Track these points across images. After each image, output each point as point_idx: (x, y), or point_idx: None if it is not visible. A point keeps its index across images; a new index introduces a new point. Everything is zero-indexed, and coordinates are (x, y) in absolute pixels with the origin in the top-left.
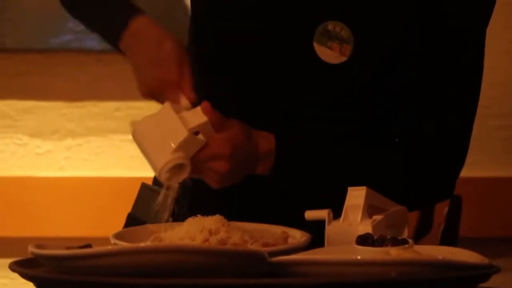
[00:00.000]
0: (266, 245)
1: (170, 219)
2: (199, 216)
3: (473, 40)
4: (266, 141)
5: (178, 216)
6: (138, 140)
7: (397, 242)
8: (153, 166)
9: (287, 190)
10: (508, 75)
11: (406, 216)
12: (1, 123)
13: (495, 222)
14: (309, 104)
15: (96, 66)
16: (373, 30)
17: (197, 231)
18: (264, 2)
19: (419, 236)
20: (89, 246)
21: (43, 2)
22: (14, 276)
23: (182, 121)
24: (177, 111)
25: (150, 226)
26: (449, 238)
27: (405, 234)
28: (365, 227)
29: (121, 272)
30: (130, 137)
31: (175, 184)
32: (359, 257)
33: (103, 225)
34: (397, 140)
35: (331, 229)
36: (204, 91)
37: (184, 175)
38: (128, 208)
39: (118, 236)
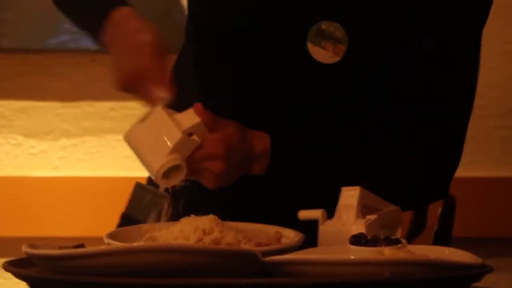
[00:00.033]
0: (259, 245)
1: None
2: (193, 216)
3: (469, 41)
4: (261, 141)
5: (173, 216)
6: (132, 145)
7: (390, 242)
8: (149, 170)
9: (282, 190)
10: (505, 75)
11: (400, 216)
12: None
13: (491, 222)
14: (303, 104)
15: (92, 66)
16: (367, 31)
17: (191, 231)
18: (258, 2)
19: (413, 236)
20: (82, 246)
21: (39, 2)
22: (8, 276)
23: (175, 123)
24: (170, 114)
25: (144, 226)
26: (442, 239)
27: (399, 234)
28: (359, 227)
29: (115, 272)
30: None
31: (172, 185)
32: (352, 257)
33: (97, 225)
34: (392, 140)
35: (324, 229)
36: (201, 91)
37: (181, 176)
38: (122, 208)
39: (111, 236)
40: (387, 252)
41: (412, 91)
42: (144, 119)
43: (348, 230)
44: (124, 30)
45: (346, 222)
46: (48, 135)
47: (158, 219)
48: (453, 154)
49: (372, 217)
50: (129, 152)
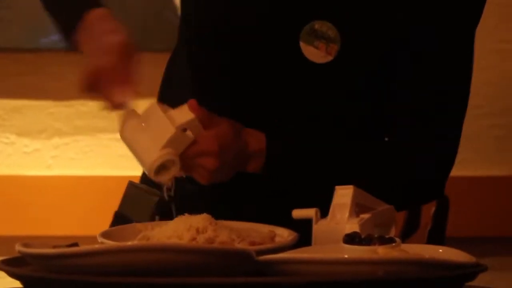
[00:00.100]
0: (253, 243)
1: (157, 217)
2: (186, 214)
3: (463, 41)
4: (256, 139)
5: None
6: (126, 139)
7: (384, 241)
8: (143, 164)
9: (277, 189)
10: (499, 74)
11: (394, 215)
12: None
13: (485, 221)
14: (297, 103)
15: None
16: (360, 30)
17: (184, 230)
18: (251, 2)
19: (406, 235)
20: (76, 244)
21: (32, 2)
22: (2, 274)
23: (169, 119)
24: (164, 110)
25: (137, 225)
26: (436, 238)
27: (392, 233)
28: (352, 226)
29: (108, 271)
30: (118, 136)
31: (164, 180)
32: (346, 256)
33: (90, 224)
34: (386, 140)
35: (318, 228)
36: (194, 90)
37: (174, 172)
38: (115, 207)
39: (105, 234)
40: (381, 251)
41: (405, 91)
42: (139, 113)
43: (342, 229)
44: (95, 31)
45: (340, 221)
46: (41, 134)
47: (151, 218)
48: (448, 154)
49: (366, 216)
50: (122, 151)
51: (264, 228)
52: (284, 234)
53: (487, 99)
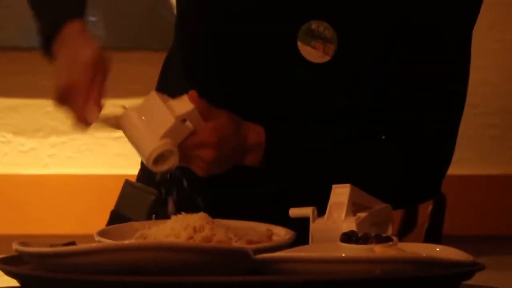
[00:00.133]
0: (250, 242)
1: (154, 216)
2: (183, 213)
3: (460, 40)
4: (255, 133)
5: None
6: (125, 128)
7: (381, 239)
8: (141, 154)
9: (275, 184)
10: (495, 74)
11: (391, 214)
12: None
13: (480, 220)
14: (294, 103)
15: None
16: (357, 31)
17: (181, 229)
18: (248, 1)
19: (403, 234)
20: (73, 243)
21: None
22: None
23: (169, 109)
24: (164, 100)
25: (134, 224)
26: (433, 237)
27: (389, 232)
28: (349, 225)
29: (106, 270)
30: (115, 134)
31: (163, 170)
32: (343, 255)
33: (87, 223)
34: (384, 138)
35: (315, 226)
36: (191, 89)
37: (172, 162)
38: (112, 206)
39: (102, 233)
40: (378, 250)
41: (401, 90)
42: (139, 103)
43: (339, 228)
44: (68, 46)
45: (337, 219)
46: (37, 132)
47: (148, 217)
48: (445, 153)
49: (362, 214)
50: (118, 150)
51: (261, 227)
52: (281, 233)
53: (483, 98)
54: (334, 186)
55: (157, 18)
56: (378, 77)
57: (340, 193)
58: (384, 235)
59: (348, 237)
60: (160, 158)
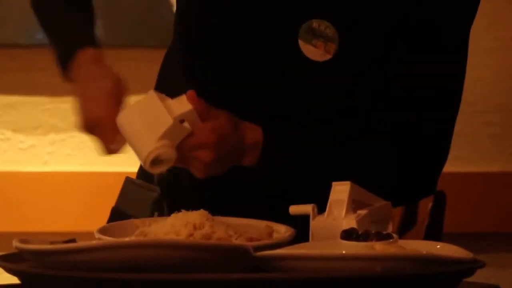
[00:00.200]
0: (250, 239)
1: (156, 213)
2: (183, 211)
3: (458, 40)
4: (253, 133)
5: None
6: (123, 128)
7: (381, 236)
8: (138, 155)
9: (273, 183)
10: (493, 72)
11: (391, 211)
12: None
13: (480, 217)
14: (295, 101)
15: None
16: (358, 30)
17: (181, 226)
18: None
19: (403, 231)
20: (73, 240)
21: None
22: None
23: (167, 109)
24: (162, 99)
25: (135, 221)
26: (433, 234)
27: (390, 229)
28: (350, 222)
29: (106, 267)
30: None
31: (160, 172)
32: (343, 252)
33: (87, 220)
34: (381, 137)
35: (315, 223)
36: (190, 88)
37: (170, 163)
38: (112, 203)
39: (102, 230)
40: (378, 247)
41: (399, 88)
42: (137, 102)
43: (339, 225)
44: (85, 76)
45: (337, 217)
46: (36, 130)
47: (150, 214)
48: (442, 152)
49: (363, 212)
50: None
51: (261, 224)
52: (281, 230)
53: (481, 96)
54: (334, 183)
55: (156, 16)
56: (378, 77)
57: (340, 190)
58: (384, 232)
59: (349, 235)
60: (157, 160)
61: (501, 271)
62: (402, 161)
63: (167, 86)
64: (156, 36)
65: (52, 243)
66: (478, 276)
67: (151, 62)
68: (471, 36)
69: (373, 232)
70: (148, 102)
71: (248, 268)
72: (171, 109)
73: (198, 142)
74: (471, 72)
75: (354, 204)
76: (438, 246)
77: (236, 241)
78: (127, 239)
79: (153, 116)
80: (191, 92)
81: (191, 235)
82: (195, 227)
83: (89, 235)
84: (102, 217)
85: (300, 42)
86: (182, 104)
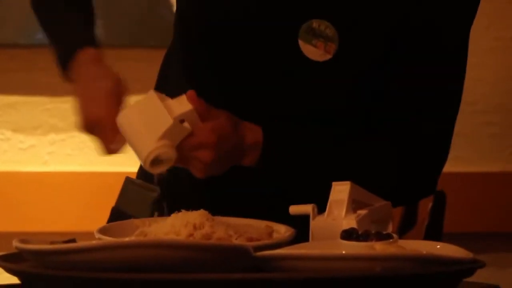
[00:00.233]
0: (250, 239)
1: (156, 213)
2: (183, 211)
3: (458, 40)
4: (253, 133)
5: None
6: (123, 128)
7: (381, 237)
8: (138, 155)
9: (273, 183)
10: (493, 72)
11: (391, 211)
12: None
13: (480, 217)
14: (295, 101)
15: None
16: (358, 29)
17: (181, 226)
18: None
19: (403, 231)
20: (73, 240)
21: None
22: None
23: (167, 109)
24: (162, 99)
25: (135, 221)
26: (433, 234)
27: (390, 229)
28: (350, 222)
29: (106, 267)
30: None
31: (160, 172)
32: (343, 252)
33: (87, 220)
34: (382, 136)
35: (315, 223)
36: (190, 88)
37: (169, 163)
38: (112, 203)
39: (102, 230)
40: (378, 247)
41: (402, 90)
42: (137, 102)
43: (339, 225)
44: (85, 76)
45: (337, 217)
46: (36, 130)
47: (150, 214)
48: (442, 152)
49: (363, 212)
50: None
51: (261, 224)
52: (281, 230)
53: (481, 96)
54: (334, 183)
55: (156, 16)
56: (378, 77)
57: (340, 190)
58: (384, 232)
59: (349, 234)
60: (157, 160)
61: (501, 271)
62: (402, 161)
63: (167, 86)
64: (156, 36)
65: (52, 243)
66: (478, 276)
67: (151, 62)
68: (471, 36)
69: (373, 232)
70: (148, 102)
71: (248, 268)
72: (171, 109)
73: (198, 142)
74: (471, 72)
75: (354, 204)
76: (438, 246)
77: (236, 241)
78: (127, 239)
79: (153, 116)
80: (191, 92)
81: (191, 235)
82: (195, 227)
83: (89, 235)
84: (102, 217)
85: (300, 42)
86: (182, 104)
